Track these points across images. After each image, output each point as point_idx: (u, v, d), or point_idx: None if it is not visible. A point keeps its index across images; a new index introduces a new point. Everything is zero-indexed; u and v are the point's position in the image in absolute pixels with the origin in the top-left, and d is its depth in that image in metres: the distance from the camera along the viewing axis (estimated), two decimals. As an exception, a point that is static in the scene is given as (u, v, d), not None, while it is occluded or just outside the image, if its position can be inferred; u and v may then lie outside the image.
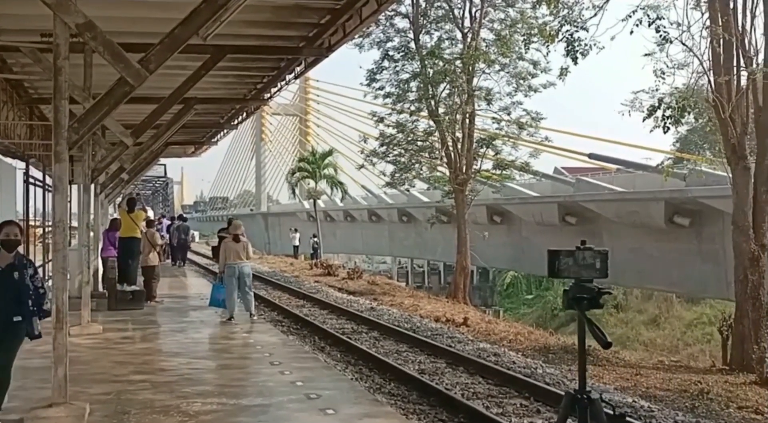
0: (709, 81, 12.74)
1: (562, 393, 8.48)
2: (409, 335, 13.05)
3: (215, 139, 25.13)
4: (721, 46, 12.43)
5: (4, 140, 13.46)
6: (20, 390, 6.58)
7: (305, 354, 9.64)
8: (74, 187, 14.13)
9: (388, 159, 26.19)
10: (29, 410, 5.59)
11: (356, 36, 23.17)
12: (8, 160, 14.55)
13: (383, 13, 22.83)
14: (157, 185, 62.65)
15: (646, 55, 13.23)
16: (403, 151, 25.52)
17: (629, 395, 9.24)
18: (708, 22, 12.47)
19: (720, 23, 12.15)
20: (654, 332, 31.33)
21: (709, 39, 12.49)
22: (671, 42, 12.15)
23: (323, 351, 11.71)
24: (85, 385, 6.79)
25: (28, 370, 6.95)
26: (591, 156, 30.08)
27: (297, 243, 41.52)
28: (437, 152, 24.79)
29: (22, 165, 15.31)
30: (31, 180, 15.49)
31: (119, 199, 21.61)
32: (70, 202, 18.80)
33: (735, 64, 12.59)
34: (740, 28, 12.45)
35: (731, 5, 12.50)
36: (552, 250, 2.78)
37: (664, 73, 12.41)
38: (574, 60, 12.78)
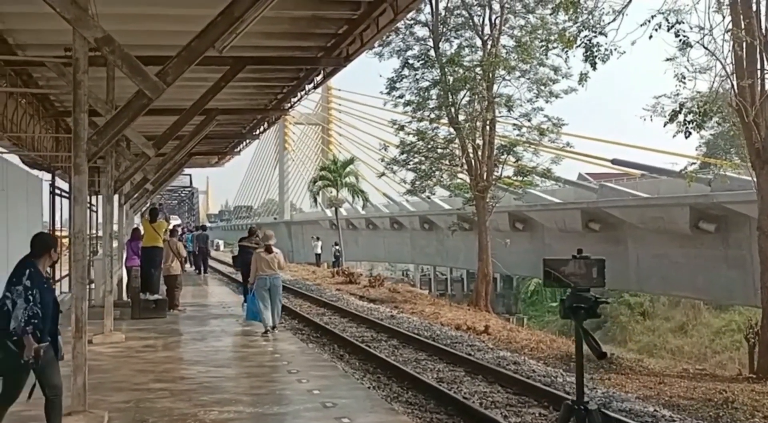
0: (732, 85, 12.56)
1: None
2: (429, 343, 12.99)
3: (238, 149, 25.43)
4: (744, 50, 12.25)
5: (30, 152, 13.78)
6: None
7: (324, 362, 9.65)
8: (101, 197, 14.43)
9: (409, 167, 26.21)
10: (49, 418, 5.65)
11: (375, 45, 23.39)
12: (35, 171, 14.86)
13: (402, 22, 22.94)
14: (182, 195, 63.55)
15: (667, 59, 13.13)
16: (423, 158, 25.52)
17: (651, 404, 9.08)
18: (730, 25, 12.32)
19: (742, 26, 11.99)
20: (681, 340, 30.85)
21: (731, 42, 12.33)
22: (691, 46, 12.02)
23: (342, 359, 11.71)
24: (105, 393, 6.89)
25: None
26: (614, 161, 29.79)
27: (319, 251, 41.71)
28: (458, 159, 24.75)
29: (48, 176, 15.64)
30: (57, 191, 15.79)
31: (144, 209, 21.94)
32: (96, 212, 19.13)
33: (758, 67, 12.39)
34: (763, 31, 12.27)
35: (754, 8, 12.34)
36: (547, 258, 2.76)
37: (685, 78, 12.27)
38: (593, 65, 12.70)
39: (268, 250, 10.93)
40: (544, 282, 2.81)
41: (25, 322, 4.69)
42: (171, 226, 19.02)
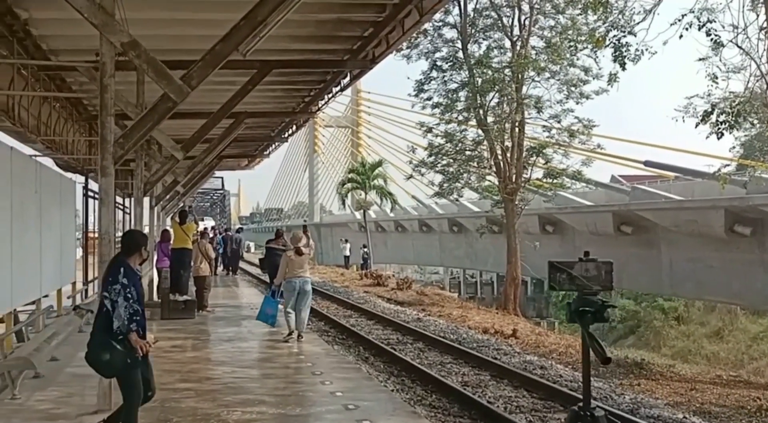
0: (768, 84, 12.25)
1: (609, 408, 8.26)
2: (455, 347, 12.92)
3: (267, 151, 25.73)
4: (780, 48, 11.95)
5: (64, 155, 14.10)
6: (73, 396, 6.83)
7: (348, 364, 9.66)
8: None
9: (437, 169, 26.12)
10: (75, 416, 5.78)
11: (404, 47, 23.41)
12: (69, 174, 15.19)
13: (430, 24, 22.93)
14: (214, 197, 64.52)
15: (700, 59, 12.85)
16: (451, 160, 25.40)
17: (681, 411, 8.89)
18: (765, 24, 12.02)
19: (778, 24, 11.69)
20: (717, 345, 30.16)
21: (766, 41, 12.03)
22: (724, 45, 11.74)
23: (367, 361, 11.70)
24: (131, 392, 6.97)
25: (83, 378, 7.15)
26: (647, 163, 29.29)
27: (348, 253, 41.84)
28: (486, 161, 24.59)
29: (81, 179, 15.97)
30: (91, 193, 16.12)
31: (174, 211, 22.25)
32: (130, 214, 19.36)
33: (795, 66, 12.07)
34: (800, 29, 11.94)
35: (790, 5, 12.01)
36: (553, 261, 2.70)
37: (716, 78, 11.99)
38: (623, 66, 12.48)
39: (298, 252, 10.49)
40: (549, 285, 2.75)
41: (128, 319, 4.64)
42: (202, 228, 19.25)
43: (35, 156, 12.01)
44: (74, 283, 13.68)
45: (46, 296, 11.17)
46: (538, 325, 21.83)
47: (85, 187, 15.88)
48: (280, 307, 11.00)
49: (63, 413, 6.21)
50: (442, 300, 23.78)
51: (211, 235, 23.33)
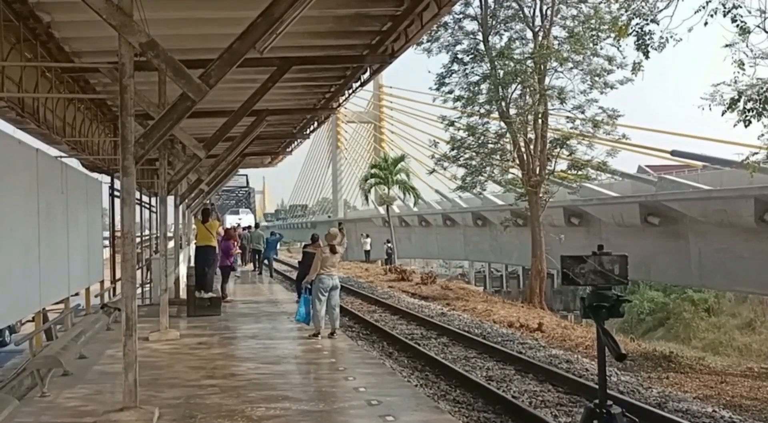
0: (797, 70, 11.94)
1: (635, 402, 8.15)
2: (479, 341, 12.86)
3: (289, 149, 25.77)
4: (809, 32, 11.62)
5: (89, 156, 14.29)
6: (100, 394, 6.93)
7: (371, 360, 9.65)
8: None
9: (459, 163, 26.00)
10: (102, 413, 5.85)
11: (424, 41, 23.31)
12: (95, 174, 15.41)
13: (451, 16, 22.81)
14: (240, 195, 65.11)
15: (726, 45, 12.56)
16: (474, 154, 25.27)
17: (710, 405, 8.73)
18: (794, 8, 11.70)
19: (807, 8, 11.37)
20: (749, 337, 29.66)
21: (795, 25, 11.71)
22: (750, 31, 11.45)
23: (390, 357, 11.70)
24: (158, 389, 7.06)
25: (111, 375, 7.28)
26: (674, 153, 28.80)
27: (368, 248, 41.98)
28: (509, 154, 24.42)
29: (107, 179, 16.16)
30: (116, 193, 16.32)
31: (196, 210, 22.44)
32: (157, 213, 19.55)
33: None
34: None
35: (819, -12, 11.69)
36: (566, 255, 2.64)
37: (743, 64, 11.71)
38: (646, 54, 12.27)
39: (333, 250, 10.38)
40: (562, 281, 2.69)
41: None
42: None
43: (61, 157, 12.19)
44: (102, 282, 13.89)
45: (76, 294, 11.35)
46: (564, 319, 21.63)
47: (111, 187, 16.07)
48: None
49: (91, 410, 6.29)
50: (467, 294, 23.70)
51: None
